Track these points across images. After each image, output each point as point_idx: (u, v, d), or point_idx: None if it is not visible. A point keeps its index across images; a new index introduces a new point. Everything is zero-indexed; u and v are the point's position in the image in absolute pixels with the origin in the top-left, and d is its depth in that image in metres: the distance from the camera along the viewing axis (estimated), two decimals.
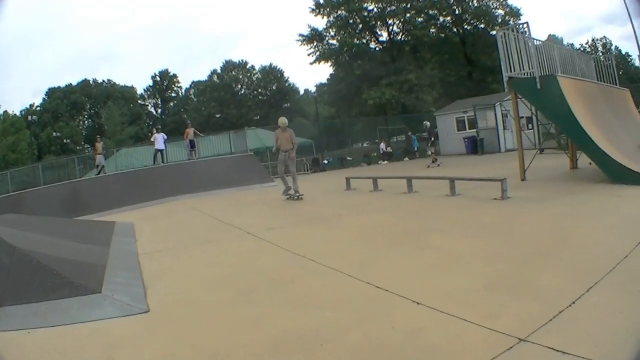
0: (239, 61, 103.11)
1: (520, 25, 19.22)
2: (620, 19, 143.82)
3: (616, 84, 23.55)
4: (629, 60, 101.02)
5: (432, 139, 35.28)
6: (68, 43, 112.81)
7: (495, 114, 40.63)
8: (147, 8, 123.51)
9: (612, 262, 7.15)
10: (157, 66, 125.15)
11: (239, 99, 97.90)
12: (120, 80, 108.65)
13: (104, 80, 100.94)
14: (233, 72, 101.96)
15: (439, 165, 31.87)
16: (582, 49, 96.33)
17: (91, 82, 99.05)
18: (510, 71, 18.16)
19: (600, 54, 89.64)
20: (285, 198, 20.04)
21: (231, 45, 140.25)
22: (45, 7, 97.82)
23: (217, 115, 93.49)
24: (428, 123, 35.29)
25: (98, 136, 39.78)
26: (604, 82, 22.49)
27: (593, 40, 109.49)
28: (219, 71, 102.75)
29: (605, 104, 19.68)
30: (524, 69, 17.91)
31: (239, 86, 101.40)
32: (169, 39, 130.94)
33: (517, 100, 19.12)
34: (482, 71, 62.64)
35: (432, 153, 34.30)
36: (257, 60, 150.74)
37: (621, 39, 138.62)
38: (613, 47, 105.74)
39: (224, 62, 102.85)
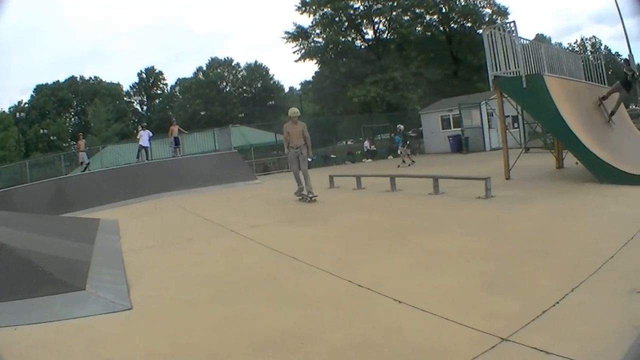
0: (225, 59, 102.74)
1: (508, 24, 19.24)
2: (611, 19, 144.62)
3: (605, 84, 23.48)
4: (620, 59, 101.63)
5: (408, 141, 35.45)
6: (57, 41, 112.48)
7: (481, 113, 40.76)
8: (135, 6, 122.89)
9: (598, 262, 7.19)
10: (144, 63, 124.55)
11: (223, 96, 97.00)
12: (107, 77, 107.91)
13: (90, 78, 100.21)
14: (218, 70, 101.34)
15: (409, 165, 32.01)
16: (570, 48, 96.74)
17: (78, 79, 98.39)
18: (496, 70, 18.21)
19: (589, 53, 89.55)
20: (298, 199, 18.36)
21: (218, 42, 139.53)
22: (35, 5, 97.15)
23: (202, 113, 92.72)
24: (402, 126, 35.51)
25: (81, 134, 39.89)
26: (593, 81, 22.55)
27: (582, 39, 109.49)
28: (204, 69, 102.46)
29: (592, 104, 19.73)
30: (510, 68, 17.92)
31: (224, 84, 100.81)
32: (156, 37, 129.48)
33: (502, 99, 19.15)
34: (468, 70, 62.53)
35: (401, 153, 34.47)
36: (243, 59, 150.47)
37: (612, 38, 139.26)
38: (602, 47, 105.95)
39: (210, 59, 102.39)
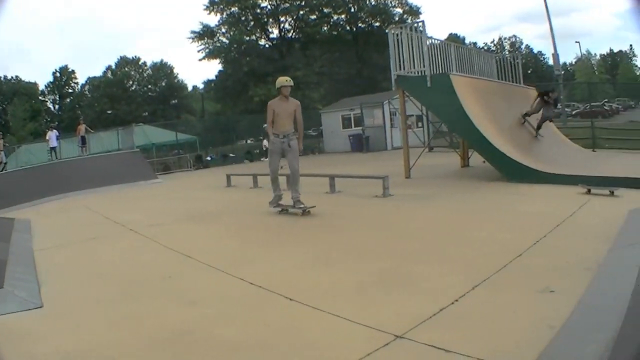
0: (132, 57, 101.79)
1: (417, 24, 19.37)
2: (538, 18, 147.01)
3: (520, 83, 23.96)
4: (542, 58, 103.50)
5: None
6: None
7: (384, 112, 40.95)
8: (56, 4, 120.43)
9: (503, 260, 7.21)
10: (61, 62, 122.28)
11: (129, 95, 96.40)
12: (27, 76, 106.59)
13: (12, 77, 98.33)
14: (126, 69, 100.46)
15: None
16: (486, 47, 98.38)
17: (2, 78, 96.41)
18: (400, 69, 18.23)
19: (507, 52, 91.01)
20: (277, 211, 13.50)
21: (131, 41, 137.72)
22: None
23: (109, 112, 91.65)
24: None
25: (0, 133, 38.92)
26: (508, 80, 22.87)
27: (500, 38, 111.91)
28: (114, 67, 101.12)
29: (506, 103, 19.90)
30: (415, 68, 17.95)
31: (131, 82, 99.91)
32: (73, 35, 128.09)
33: (405, 98, 19.13)
34: (373, 69, 62.68)
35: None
36: (151, 57, 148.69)
37: (537, 37, 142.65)
38: (523, 46, 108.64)
39: (119, 58, 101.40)
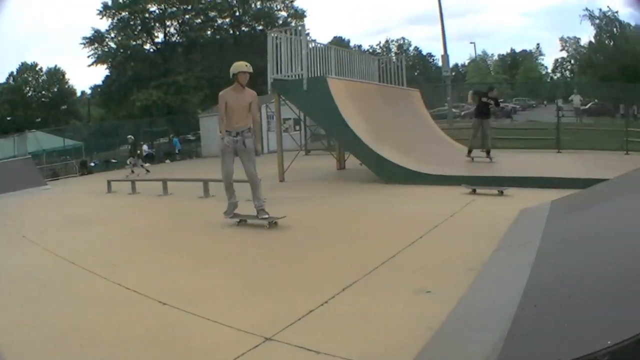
0: (31, 63, 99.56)
1: (298, 27, 19.11)
2: (432, 19, 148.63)
3: (404, 85, 24.05)
4: (432, 60, 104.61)
5: (138, 151, 34.73)
6: None
7: (261, 116, 40.41)
8: None
9: (376, 261, 7.15)
10: None
11: (26, 101, 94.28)
12: None
13: None
14: (25, 75, 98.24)
15: (138, 175, 30.70)
16: (371, 50, 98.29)
17: None
18: (277, 73, 18.04)
19: (393, 55, 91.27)
20: (235, 222, 11.24)
21: (31, 45, 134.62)
22: None
23: (8, 118, 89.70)
24: (131, 137, 34.57)
25: None
26: (392, 83, 22.95)
27: (387, 41, 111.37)
28: (15, 73, 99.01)
29: (386, 105, 19.98)
30: (294, 71, 17.87)
31: (28, 88, 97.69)
32: None
33: (280, 102, 19.13)
34: (254, 73, 61.93)
35: (130, 162, 33.04)
36: (46, 63, 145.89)
37: (430, 39, 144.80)
38: (412, 48, 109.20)
39: (20, 64, 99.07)
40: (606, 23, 60.06)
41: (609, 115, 41.20)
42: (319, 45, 19.49)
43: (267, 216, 10.51)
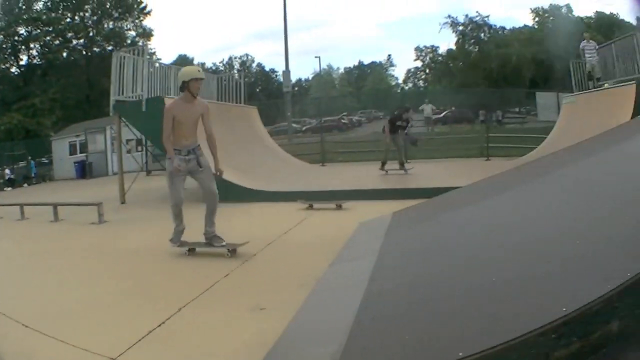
0: None
1: (141, 47, 18.88)
2: (274, 35, 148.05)
3: (242, 102, 24.15)
4: (275, 75, 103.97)
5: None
6: None
7: (105, 138, 39.87)
8: None
9: (209, 281, 7.22)
10: None
11: None
12: None
13: None
14: None
15: None
16: (214, 67, 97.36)
17: None
18: (121, 94, 17.77)
19: (236, 72, 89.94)
20: (185, 251, 9.41)
21: None
22: None
23: None
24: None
25: None
26: (231, 101, 23.06)
27: (230, 58, 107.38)
28: None
29: (223, 123, 19.52)
30: (136, 92, 17.59)
31: None
32: None
33: (121, 123, 18.66)
34: (100, 94, 59.94)
35: None
36: None
37: (274, 54, 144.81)
38: (255, 64, 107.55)
39: None
40: (471, 29, 61.31)
41: (467, 122, 42.57)
42: (162, 64, 19.33)
43: (224, 243, 9.11)
